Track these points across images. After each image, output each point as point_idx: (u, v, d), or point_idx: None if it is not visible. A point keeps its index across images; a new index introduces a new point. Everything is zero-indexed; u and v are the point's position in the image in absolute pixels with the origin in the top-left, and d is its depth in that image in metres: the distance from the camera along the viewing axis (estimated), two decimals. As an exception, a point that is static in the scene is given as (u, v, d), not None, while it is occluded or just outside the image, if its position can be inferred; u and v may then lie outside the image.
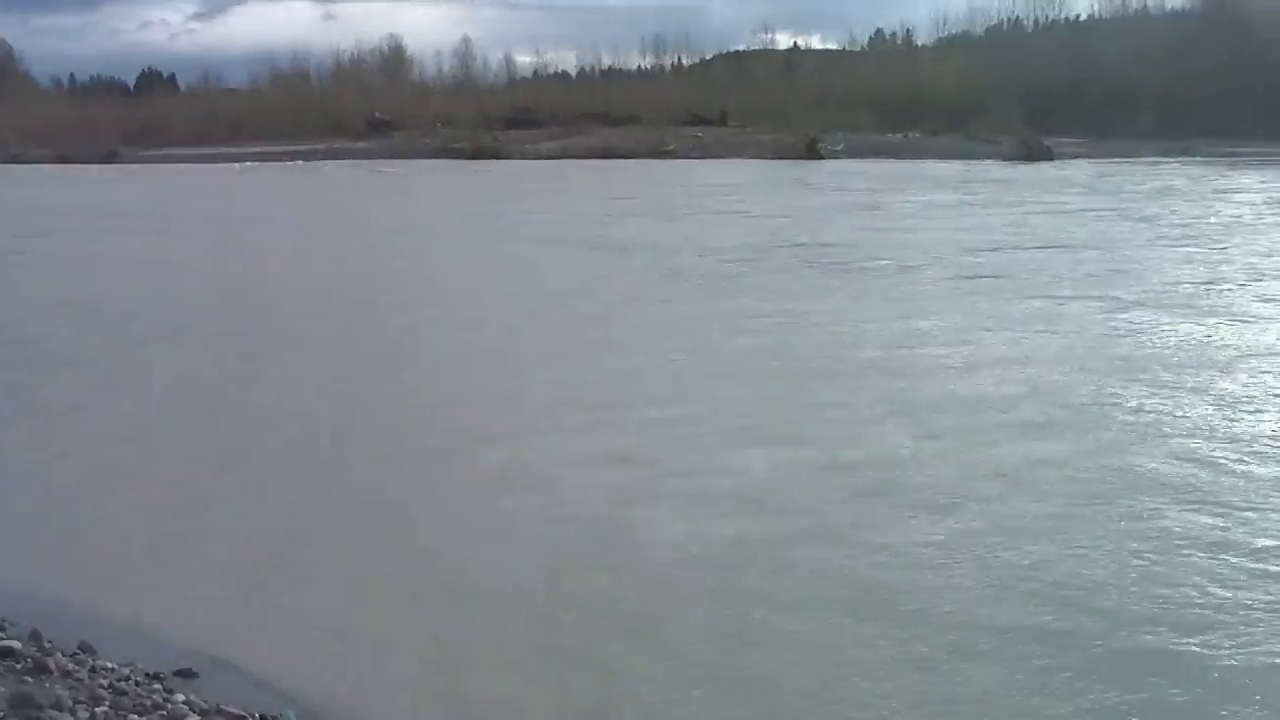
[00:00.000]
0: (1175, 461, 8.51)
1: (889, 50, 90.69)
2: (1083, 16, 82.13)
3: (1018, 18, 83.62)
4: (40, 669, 5.02)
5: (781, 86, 76.80)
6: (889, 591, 6.39)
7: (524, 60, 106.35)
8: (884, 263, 19.94)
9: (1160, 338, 13.21)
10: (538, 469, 8.84)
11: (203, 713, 4.87)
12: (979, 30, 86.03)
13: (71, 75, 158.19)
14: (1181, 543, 6.97)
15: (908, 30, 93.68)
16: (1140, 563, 6.68)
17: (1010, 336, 13.54)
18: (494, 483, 8.51)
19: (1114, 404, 10.32)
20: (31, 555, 7.24)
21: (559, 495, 8.18)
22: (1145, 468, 8.41)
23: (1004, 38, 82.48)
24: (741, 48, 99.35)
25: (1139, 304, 15.34)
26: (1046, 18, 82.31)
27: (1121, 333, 13.60)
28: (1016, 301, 15.75)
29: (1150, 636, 5.77)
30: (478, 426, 10.18)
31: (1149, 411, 10.03)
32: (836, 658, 5.68)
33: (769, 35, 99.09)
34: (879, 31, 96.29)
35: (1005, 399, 10.63)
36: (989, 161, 50.28)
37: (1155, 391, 10.69)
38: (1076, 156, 52.57)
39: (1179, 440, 9.08)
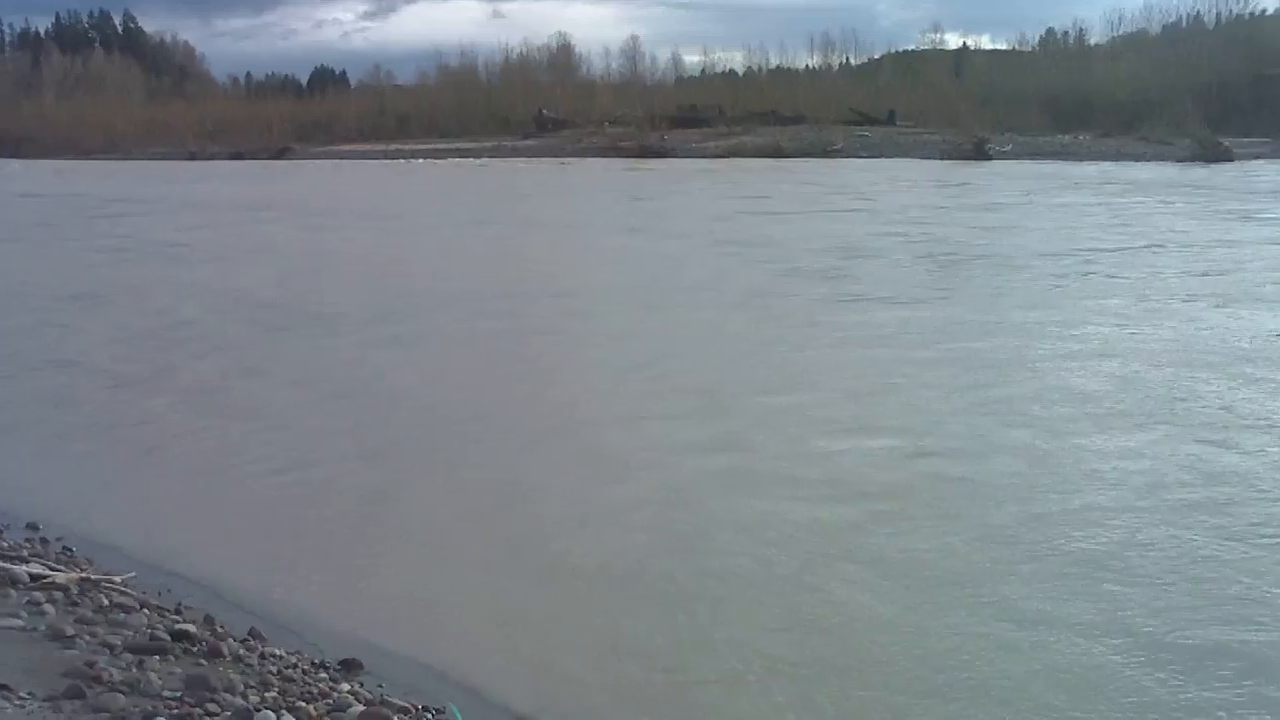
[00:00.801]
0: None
1: (1060, 50, 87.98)
2: (1269, 11, 78.05)
3: (1198, 14, 79.95)
4: (214, 653, 5.19)
5: (950, 86, 75.52)
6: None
7: (692, 59, 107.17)
8: (1065, 263, 18.94)
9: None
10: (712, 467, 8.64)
11: (367, 703, 4.90)
12: (1155, 28, 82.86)
13: (248, 74, 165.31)
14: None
15: (1080, 29, 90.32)
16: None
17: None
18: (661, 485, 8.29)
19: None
20: (205, 542, 7.35)
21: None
22: None
23: (1182, 35, 78.86)
24: (910, 48, 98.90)
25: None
26: (1231, 13, 78.47)
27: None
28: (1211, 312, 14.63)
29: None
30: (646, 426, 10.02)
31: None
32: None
33: (938, 35, 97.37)
34: (1050, 31, 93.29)
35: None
36: (1164, 163, 47.99)
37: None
38: (1258, 158, 49.68)
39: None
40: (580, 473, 8.60)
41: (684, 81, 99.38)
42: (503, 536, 7.35)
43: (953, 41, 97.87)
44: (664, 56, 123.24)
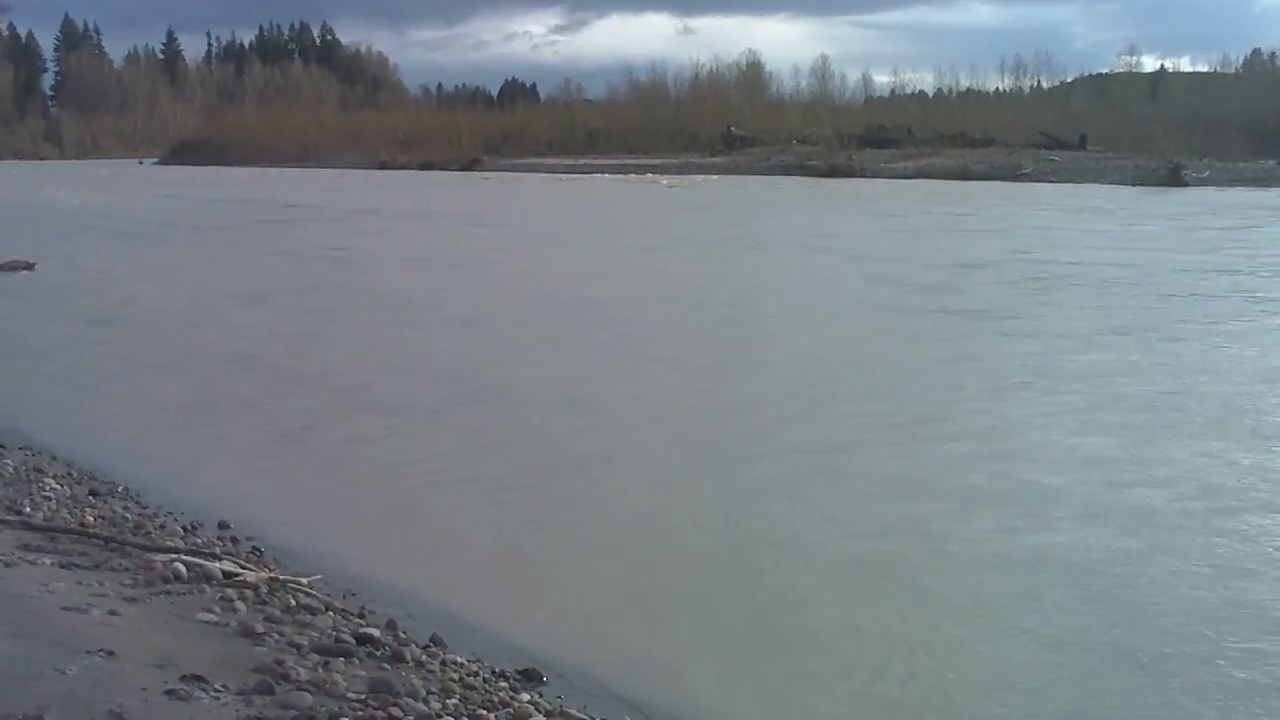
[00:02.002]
0: None
1: (1267, 71, 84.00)
2: None
3: None
4: (397, 658, 5.32)
5: (1145, 110, 72.75)
6: None
7: (881, 79, 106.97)
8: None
9: None
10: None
11: (547, 714, 4.98)
12: (1377, 45, 78.21)
13: (439, 85, 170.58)
14: None
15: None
16: None
17: None
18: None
19: None
20: (388, 547, 7.55)
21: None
22: None
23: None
24: (1104, 70, 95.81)
25: None
26: None
27: None
28: None
29: None
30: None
31: None
32: None
33: (1134, 58, 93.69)
34: (1256, 51, 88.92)
35: None
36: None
37: None
38: None
39: None
40: (778, 494, 8.50)
41: (873, 102, 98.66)
42: (690, 553, 7.35)
43: (1149, 64, 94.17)
44: (854, 76, 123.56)
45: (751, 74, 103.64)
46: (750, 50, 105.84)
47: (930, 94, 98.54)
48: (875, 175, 61.61)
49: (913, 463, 9.21)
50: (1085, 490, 8.34)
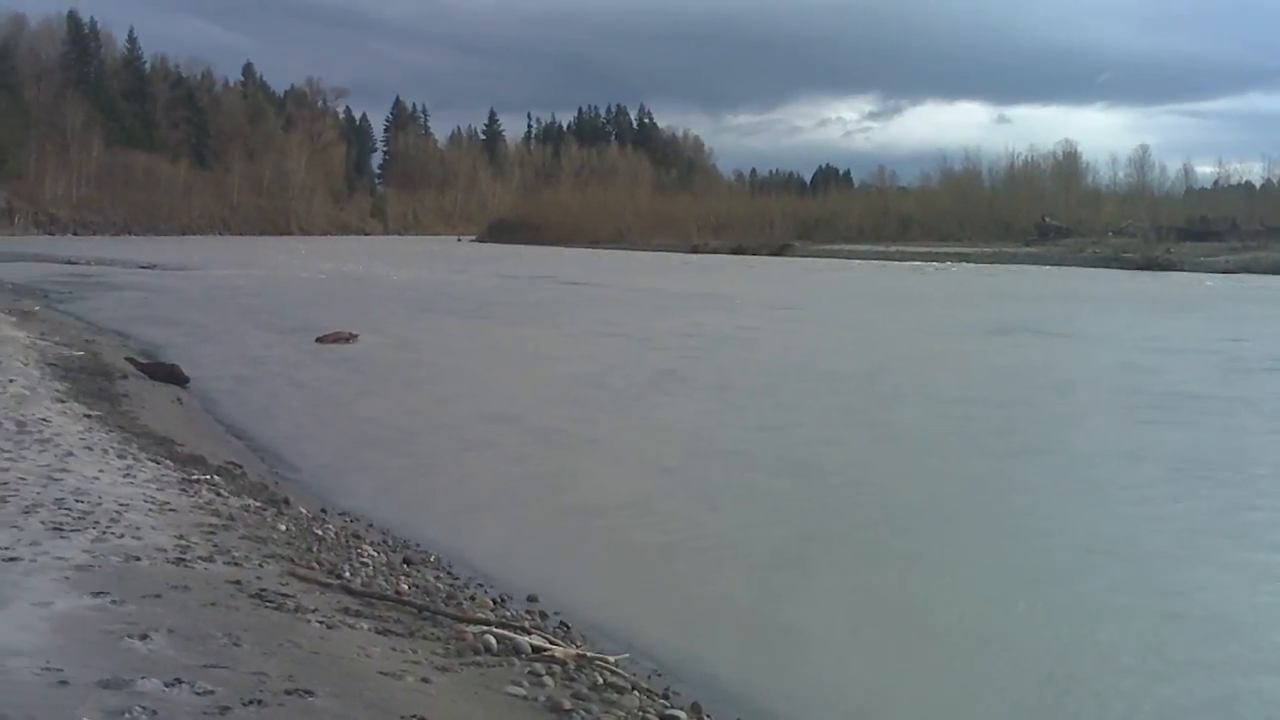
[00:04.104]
0: None
1: None
2: None
3: None
4: None
5: None
6: None
7: (1204, 169, 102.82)
8: None
9: None
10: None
11: None
12: None
13: (753, 170, 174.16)
14: None
15: None
16: None
17: None
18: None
19: None
20: (695, 628, 7.68)
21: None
22: None
23: None
24: None
25: None
26: None
27: None
28: None
29: None
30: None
31: None
32: None
33: None
34: None
35: None
36: None
37: None
38: None
39: None
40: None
41: (1194, 193, 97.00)
42: (966, 637, 7.30)
43: None
44: (1174, 166, 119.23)
45: (1067, 164, 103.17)
46: (1066, 140, 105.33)
47: (1258, 185, 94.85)
48: (1194, 269, 59.22)
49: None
50: None
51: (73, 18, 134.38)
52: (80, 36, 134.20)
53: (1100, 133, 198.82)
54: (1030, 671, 7.00)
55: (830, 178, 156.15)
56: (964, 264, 68.98)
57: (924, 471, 12.50)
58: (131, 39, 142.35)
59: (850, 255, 78.83)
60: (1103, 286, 47.68)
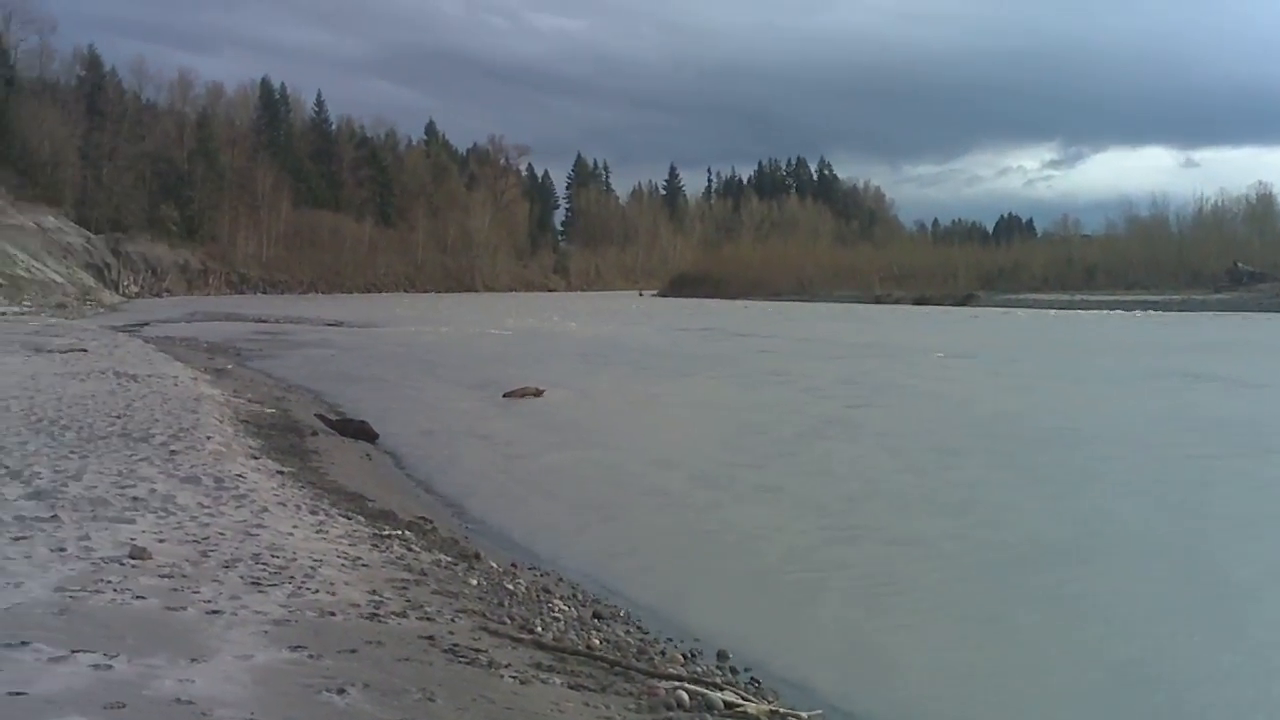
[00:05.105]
0: None
1: None
2: None
3: None
4: None
5: None
6: None
7: None
8: None
9: None
10: None
11: None
12: None
13: (935, 220, 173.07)
14: None
15: None
16: None
17: None
18: None
19: None
20: (885, 684, 7.62)
21: None
22: None
23: None
24: None
25: None
26: None
27: None
28: None
29: None
30: None
31: None
32: None
33: None
34: None
35: None
36: None
37: None
38: None
39: None
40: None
41: None
42: None
43: None
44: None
45: (1261, 206, 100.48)
46: (1260, 182, 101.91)
47: None
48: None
49: None
50: None
51: (265, 84, 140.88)
52: (271, 102, 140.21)
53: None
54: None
55: (1013, 226, 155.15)
56: (1151, 312, 67.80)
57: (1077, 513, 12.50)
58: (319, 102, 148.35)
59: (1035, 304, 78.33)
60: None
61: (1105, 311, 69.61)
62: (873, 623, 8.87)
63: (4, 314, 49.71)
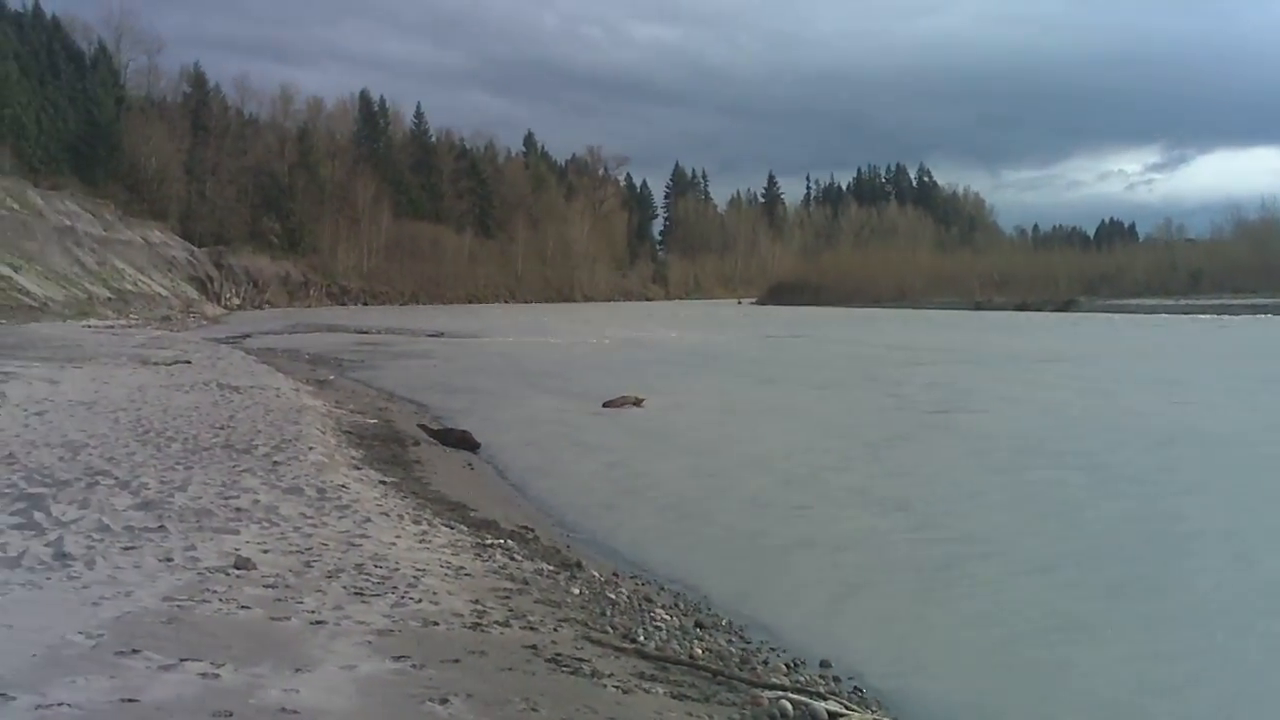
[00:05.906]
0: None
1: None
2: None
3: None
4: None
5: None
6: None
7: None
8: None
9: None
10: None
11: None
12: None
13: (1035, 225, 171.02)
14: None
15: None
16: None
17: None
18: None
19: None
20: (992, 697, 7.47)
21: None
22: None
23: None
24: None
25: None
26: None
27: None
28: None
29: None
30: None
31: None
32: None
33: None
34: None
35: None
36: None
37: None
38: None
39: None
40: None
41: None
42: None
43: None
44: None
45: None
46: None
47: None
48: None
49: None
50: None
51: (364, 97, 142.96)
52: (371, 114, 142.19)
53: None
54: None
55: (1114, 231, 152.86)
56: (1261, 316, 66.40)
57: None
58: (418, 114, 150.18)
59: (1138, 310, 77.21)
60: None
61: (1213, 316, 68.54)
62: (983, 637, 8.68)
63: (111, 327, 50.97)
